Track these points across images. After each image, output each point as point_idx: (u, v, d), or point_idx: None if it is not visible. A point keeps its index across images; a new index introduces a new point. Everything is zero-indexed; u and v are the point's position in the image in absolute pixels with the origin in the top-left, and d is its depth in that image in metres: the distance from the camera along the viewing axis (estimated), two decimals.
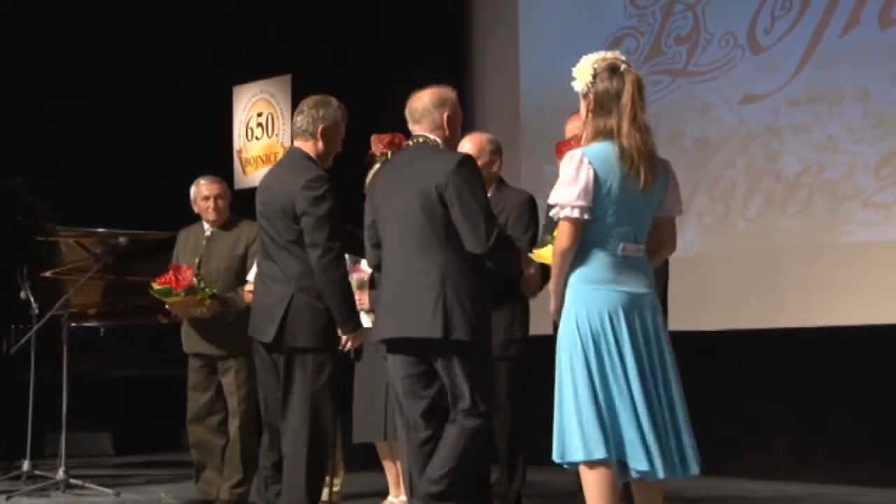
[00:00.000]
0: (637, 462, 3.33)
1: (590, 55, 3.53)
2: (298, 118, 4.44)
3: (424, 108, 4.10)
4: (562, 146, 4.12)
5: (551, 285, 3.51)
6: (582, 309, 3.39)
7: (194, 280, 5.31)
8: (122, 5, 8.77)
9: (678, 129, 6.92)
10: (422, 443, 3.99)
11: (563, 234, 3.41)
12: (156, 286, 5.37)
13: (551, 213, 3.47)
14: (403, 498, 5.11)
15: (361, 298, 5.03)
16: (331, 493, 5.29)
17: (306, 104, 4.46)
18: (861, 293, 6.13)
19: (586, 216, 3.36)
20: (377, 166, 4.84)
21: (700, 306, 6.59)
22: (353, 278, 5.06)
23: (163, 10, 8.89)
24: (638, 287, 3.42)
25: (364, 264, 5.16)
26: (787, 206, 6.48)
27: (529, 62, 7.53)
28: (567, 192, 3.38)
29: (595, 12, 7.31)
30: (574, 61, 8.05)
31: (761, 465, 6.46)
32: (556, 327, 3.62)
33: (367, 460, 5.84)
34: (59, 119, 8.61)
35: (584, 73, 3.50)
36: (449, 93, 4.15)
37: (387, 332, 4.03)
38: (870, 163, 6.19)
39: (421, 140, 4.09)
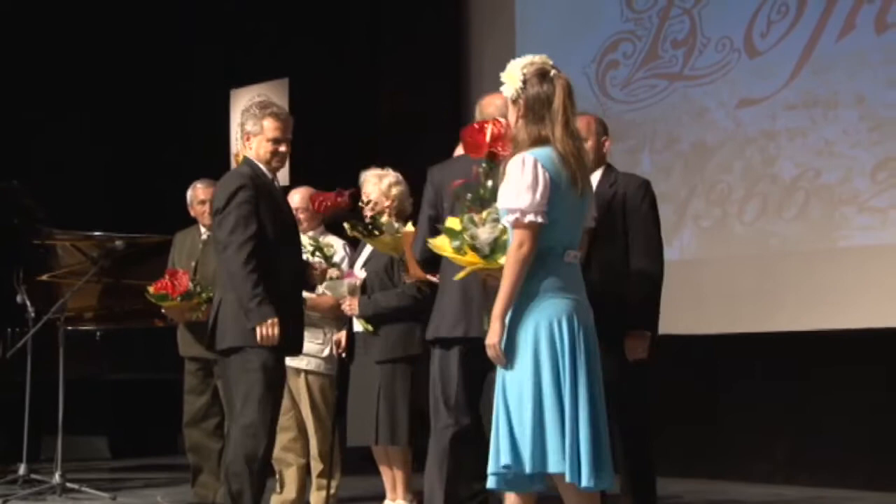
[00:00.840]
0: (568, 471, 3.30)
1: (517, 59, 3.49)
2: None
3: (503, 115, 4.10)
4: (467, 134, 3.94)
5: (501, 302, 3.34)
6: (539, 317, 3.35)
7: (190, 285, 5.31)
8: (120, 9, 8.77)
9: (674, 132, 6.93)
10: (451, 445, 3.97)
11: (525, 241, 3.32)
12: (152, 291, 5.37)
13: (506, 220, 3.39)
14: (401, 502, 5.11)
15: (352, 304, 5.03)
16: (328, 496, 5.29)
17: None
18: (857, 297, 6.13)
19: (546, 222, 3.33)
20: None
21: (697, 310, 6.60)
22: (346, 283, 5.06)
23: (161, 14, 8.89)
24: (581, 294, 3.44)
25: (357, 269, 5.17)
26: (783, 210, 6.49)
27: None
28: (528, 197, 3.32)
29: (591, 16, 7.31)
30: (570, 65, 8.07)
31: (758, 469, 6.45)
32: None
33: (363, 464, 5.84)
34: (57, 122, 8.61)
35: (513, 77, 3.46)
36: None
37: (472, 331, 3.91)
38: (866, 167, 6.20)
39: None
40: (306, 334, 5.27)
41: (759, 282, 6.52)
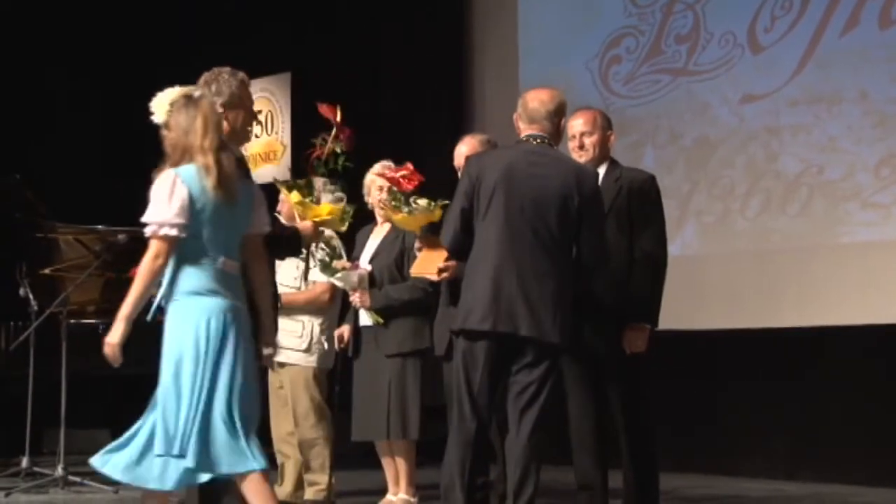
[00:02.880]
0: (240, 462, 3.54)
1: (164, 91, 3.78)
2: None
3: (547, 111, 4.14)
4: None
5: (129, 306, 3.58)
6: (196, 317, 3.57)
7: None
8: (120, 3, 8.77)
9: (677, 128, 6.92)
10: (475, 437, 3.98)
11: (161, 253, 3.53)
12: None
13: (146, 231, 3.57)
14: (403, 496, 5.11)
15: (362, 296, 5.02)
16: (329, 490, 5.29)
17: (198, 83, 4.14)
18: (859, 293, 6.13)
19: (183, 234, 3.54)
20: None
21: (698, 305, 6.60)
22: (354, 276, 5.05)
23: (162, 9, 8.89)
24: (237, 299, 3.65)
25: (363, 262, 5.17)
26: (786, 205, 6.48)
27: (529, 61, 7.52)
28: (164, 211, 3.53)
29: (594, 11, 7.30)
30: (573, 60, 8.03)
31: (759, 465, 6.46)
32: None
33: (364, 458, 5.84)
34: (59, 116, 8.61)
35: (161, 105, 3.72)
36: (564, 99, 4.21)
37: (500, 326, 3.95)
38: (869, 163, 6.19)
39: (542, 141, 4.12)
40: (283, 328, 5.28)
41: (761, 277, 6.52)
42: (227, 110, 3.97)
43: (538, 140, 4.12)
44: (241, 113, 4.04)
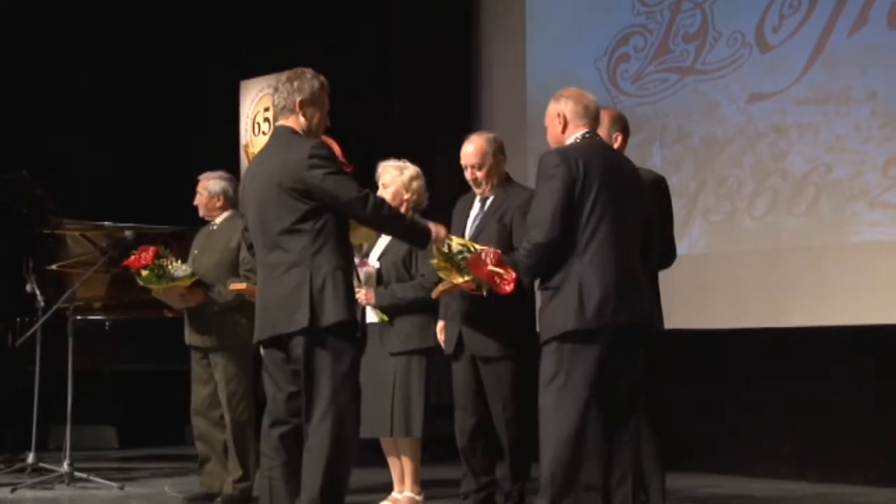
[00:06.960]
0: None
1: None
2: (276, 96, 4.21)
3: (597, 108, 4.16)
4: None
5: None
6: None
7: (155, 260, 5.25)
8: (128, 4, 8.77)
9: (685, 127, 6.91)
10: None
11: None
12: (144, 273, 5.33)
13: None
14: (408, 493, 5.11)
15: (368, 294, 5.02)
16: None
17: (280, 80, 4.24)
18: (867, 293, 6.12)
19: None
20: None
21: (705, 305, 6.59)
22: (361, 273, 5.05)
23: (170, 5, 8.89)
24: None
25: (372, 259, 5.17)
26: (793, 205, 6.47)
27: (536, 59, 7.51)
28: None
29: (603, 9, 7.29)
30: (581, 58, 8.03)
31: (765, 465, 6.45)
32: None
33: (370, 456, 5.84)
34: (68, 113, 8.61)
35: None
36: None
37: (621, 318, 3.98)
38: (877, 162, 6.18)
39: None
40: None
41: (768, 277, 6.51)
42: (305, 107, 4.15)
43: (598, 137, 4.14)
44: (318, 112, 4.20)
